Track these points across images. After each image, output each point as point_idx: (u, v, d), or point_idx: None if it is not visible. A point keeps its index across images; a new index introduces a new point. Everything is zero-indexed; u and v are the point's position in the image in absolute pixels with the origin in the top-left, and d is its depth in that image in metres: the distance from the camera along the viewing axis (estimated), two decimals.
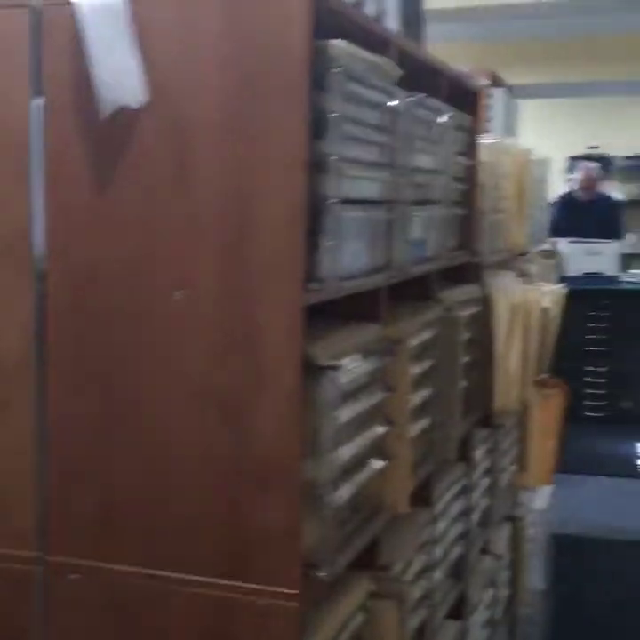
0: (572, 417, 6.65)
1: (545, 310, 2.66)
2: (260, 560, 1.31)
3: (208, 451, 1.31)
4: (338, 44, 1.26)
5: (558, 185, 7.48)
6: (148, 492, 1.36)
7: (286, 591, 1.30)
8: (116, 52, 1.29)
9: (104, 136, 1.33)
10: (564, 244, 6.61)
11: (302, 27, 1.20)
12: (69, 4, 1.29)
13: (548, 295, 2.74)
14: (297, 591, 1.30)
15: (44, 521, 1.42)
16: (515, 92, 3.88)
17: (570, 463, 5.60)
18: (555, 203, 7.35)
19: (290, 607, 1.30)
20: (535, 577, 3.43)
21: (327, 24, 1.36)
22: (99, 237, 1.35)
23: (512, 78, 5.61)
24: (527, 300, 2.50)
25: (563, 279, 6.45)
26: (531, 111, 8.33)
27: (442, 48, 6.41)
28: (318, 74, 1.25)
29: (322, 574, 1.34)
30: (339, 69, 1.26)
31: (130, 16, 1.28)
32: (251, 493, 1.30)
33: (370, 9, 1.60)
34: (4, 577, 1.45)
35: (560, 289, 2.92)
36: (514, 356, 2.43)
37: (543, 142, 8.68)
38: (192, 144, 1.28)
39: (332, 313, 1.49)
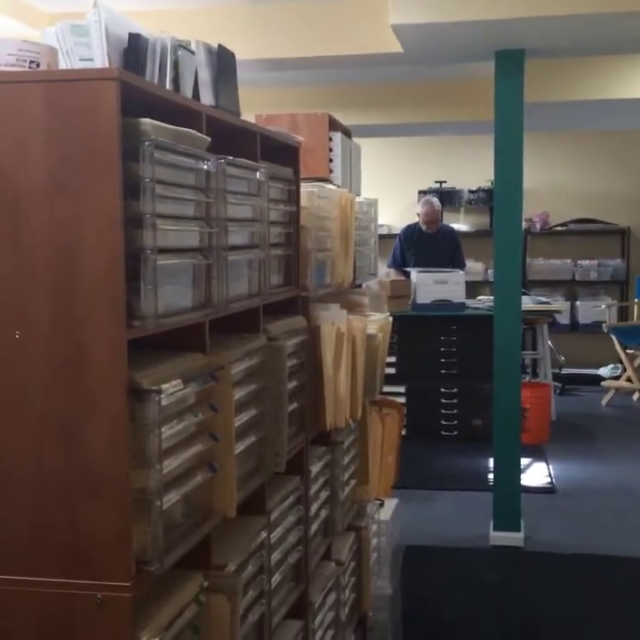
0: (430, 436, 7.06)
1: (370, 337, 2.96)
2: (97, 559, 1.53)
3: (45, 465, 1.53)
4: (145, 122, 1.52)
5: (410, 217, 7.93)
6: None
7: (120, 584, 1.53)
8: None
9: None
10: (414, 274, 7.02)
11: (110, 108, 1.45)
12: None
13: (374, 323, 3.03)
14: (129, 583, 1.53)
15: None
16: (358, 132, 4.23)
17: (427, 479, 5.97)
18: (400, 235, 7.78)
19: (124, 597, 1.53)
20: (384, 583, 3.71)
21: (146, 103, 1.62)
22: None
23: (356, 119, 6.00)
24: (352, 328, 2.78)
25: (415, 306, 6.88)
26: (381, 150, 8.80)
27: (285, 93, 6.76)
28: (131, 146, 1.50)
29: (152, 569, 1.57)
30: (148, 142, 1.51)
31: None
32: (85, 502, 1.53)
33: (186, 87, 1.86)
34: None
35: (386, 317, 3.22)
36: (342, 379, 2.71)
37: (396, 178, 9.18)
38: (21, 205, 1.50)
39: (166, 345, 1.74)
